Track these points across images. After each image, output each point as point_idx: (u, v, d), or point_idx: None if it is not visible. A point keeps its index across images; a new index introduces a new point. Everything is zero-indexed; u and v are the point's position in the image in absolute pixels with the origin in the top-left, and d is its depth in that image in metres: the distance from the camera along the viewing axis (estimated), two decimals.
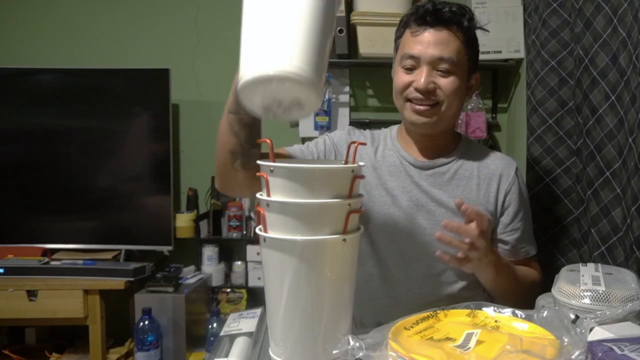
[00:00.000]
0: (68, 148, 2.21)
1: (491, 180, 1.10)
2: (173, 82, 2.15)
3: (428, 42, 1.02)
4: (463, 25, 1.03)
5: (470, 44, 1.06)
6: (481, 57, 2.04)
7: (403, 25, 1.08)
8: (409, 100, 1.05)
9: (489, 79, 2.35)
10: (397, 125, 1.20)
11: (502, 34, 2.08)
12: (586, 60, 1.29)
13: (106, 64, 2.31)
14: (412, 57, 1.03)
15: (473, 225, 0.88)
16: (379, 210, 1.09)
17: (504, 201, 1.11)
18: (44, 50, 2.40)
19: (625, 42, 1.14)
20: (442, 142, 1.13)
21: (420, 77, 1.02)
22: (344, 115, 2.32)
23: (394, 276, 1.10)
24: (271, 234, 0.68)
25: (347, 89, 2.33)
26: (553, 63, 1.57)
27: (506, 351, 0.56)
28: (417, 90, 1.03)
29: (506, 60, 2.12)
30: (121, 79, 2.20)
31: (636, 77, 1.09)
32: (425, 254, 1.07)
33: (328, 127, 2.25)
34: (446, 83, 1.03)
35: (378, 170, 1.13)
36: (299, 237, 0.66)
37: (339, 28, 2.06)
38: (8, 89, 2.20)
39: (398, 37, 1.10)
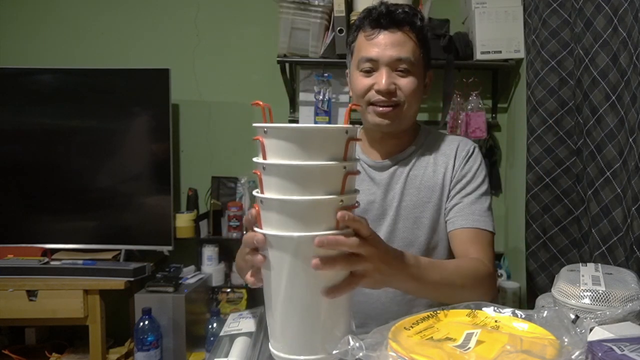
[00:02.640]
0: (68, 148, 2.21)
1: (447, 163, 1.11)
2: (173, 82, 2.15)
3: (385, 44, 1.03)
4: (416, 26, 1.05)
5: (423, 43, 1.08)
6: (481, 57, 2.09)
7: (356, 29, 1.10)
8: (370, 104, 1.06)
9: (489, 79, 2.35)
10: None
11: (502, 34, 2.08)
12: (586, 60, 1.29)
13: (106, 64, 2.32)
14: (370, 59, 1.04)
15: (351, 238, 0.69)
16: None
17: (452, 177, 1.11)
18: (44, 50, 2.40)
19: (625, 42, 1.14)
20: (403, 139, 1.14)
21: (381, 79, 1.03)
22: (343, 115, 2.32)
23: None
24: (266, 230, 0.68)
25: (347, 89, 2.33)
26: (553, 63, 1.57)
27: (506, 351, 0.56)
28: (378, 92, 1.04)
29: (506, 60, 2.12)
30: (121, 79, 2.20)
31: (637, 77, 1.09)
32: None
33: None
34: (406, 83, 1.04)
35: None
36: (295, 234, 0.66)
37: (339, 28, 2.06)
38: (8, 89, 2.19)
39: (351, 41, 1.11)
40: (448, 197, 1.10)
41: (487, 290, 0.96)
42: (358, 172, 0.74)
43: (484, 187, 1.10)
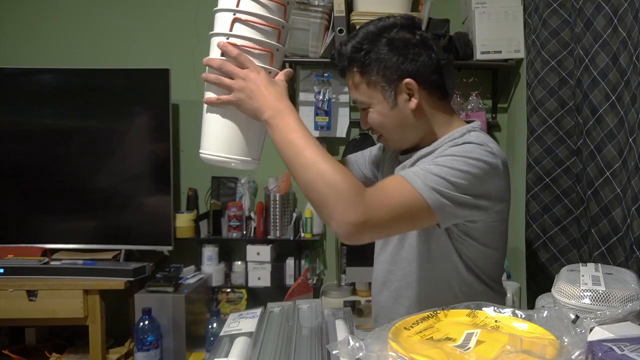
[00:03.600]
0: (68, 148, 2.21)
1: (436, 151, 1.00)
2: (173, 82, 2.15)
3: (348, 87, 1.07)
4: (357, 61, 1.01)
5: (368, 68, 1.00)
6: (481, 57, 2.08)
7: None
8: None
9: (489, 79, 2.35)
10: None
11: (502, 34, 2.08)
12: (586, 60, 1.29)
13: (106, 64, 2.31)
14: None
15: (216, 59, 0.98)
16: None
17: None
18: (44, 50, 2.40)
19: (625, 42, 1.14)
20: (427, 142, 1.05)
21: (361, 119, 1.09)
22: (344, 115, 2.32)
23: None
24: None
25: (347, 89, 2.33)
26: (553, 63, 1.57)
27: (506, 351, 0.56)
28: None
29: (506, 60, 2.12)
30: (121, 79, 2.20)
31: (636, 77, 1.09)
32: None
33: (328, 127, 2.25)
34: (370, 119, 1.04)
35: (381, 167, 1.21)
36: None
37: (339, 28, 2.06)
38: (8, 89, 2.20)
39: None
40: None
41: (337, 207, 0.81)
42: (257, 22, 0.92)
43: (447, 161, 0.90)
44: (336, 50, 1.06)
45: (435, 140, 1.04)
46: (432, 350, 0.58)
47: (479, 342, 0.60)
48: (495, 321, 0.68)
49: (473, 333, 0.62)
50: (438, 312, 0.71)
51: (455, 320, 0.69)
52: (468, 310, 0.71)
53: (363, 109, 1.05)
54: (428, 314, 0.70)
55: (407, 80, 0.99)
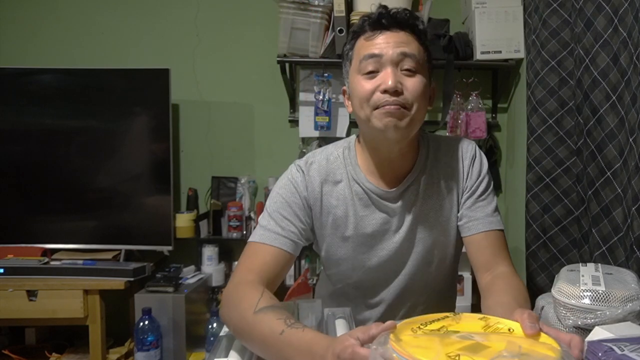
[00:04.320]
0: (68, 148, 2.21)
1: (457, 178, 1.07)
2: (173, 82, 2.15)
3: (387, 41, 0.94)
4: (418, 29, 0.98)
5: (427, 49, 0.99)
6: (481, 57, 2.08)
7: (353, 37, 1.01)
8: (376, 108, 0.94)
9: (489, 79, 2.35)
10: (353, 145, 1.09)
11: (502, 34, 2.08)
12: (587, 60, 1.29)
13: (106, 64, 2.32)
14: (373, 56, 0.94)
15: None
16: (362, 250, 1.09)
17: (463, 188, 1.07)
18: (44, 50, 2.40)
19: (626, 42, 1.14)
20: (408, 156, 1.05)
21: (387, 78, 0.92)
22: (344, 115, 2.32)
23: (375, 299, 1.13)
24: None
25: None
26: (553, 63, 1.57)
27: (502, 356, 0.55)
28: (385, 91, 0.93)
29: (506, 60, 2.12)
30: (121, 79, 2.20)
31: (637, 77, 1.09)
32: (413, 288, 1.10)
33: (328, 127, 2.25)
34: (413, 83, 0.94)
35: (352, 207, 1.06)
36: None
37: (339, 28, 2.06)
38: (8, 89, 2.19)
39: (349, 49, 1.01)
40: (460, 206, 1.06)
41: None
42: None
43: (491, 186, 1.08)
44: (386, 7, 0.98)
45: (416, 152, 1.07)
46: (433, 346, 0.57)
47: (484, 347, 0.59)
48: (509, 329, 0.65)
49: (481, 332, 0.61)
50: (449, 315, 0.68)
51: (467, 323, 0.66)
52: (481, 315, 0.69)
53: (406, 69, 0.94)
54: (440, 316, 0.68)
55: (434, 85, 1.05)
